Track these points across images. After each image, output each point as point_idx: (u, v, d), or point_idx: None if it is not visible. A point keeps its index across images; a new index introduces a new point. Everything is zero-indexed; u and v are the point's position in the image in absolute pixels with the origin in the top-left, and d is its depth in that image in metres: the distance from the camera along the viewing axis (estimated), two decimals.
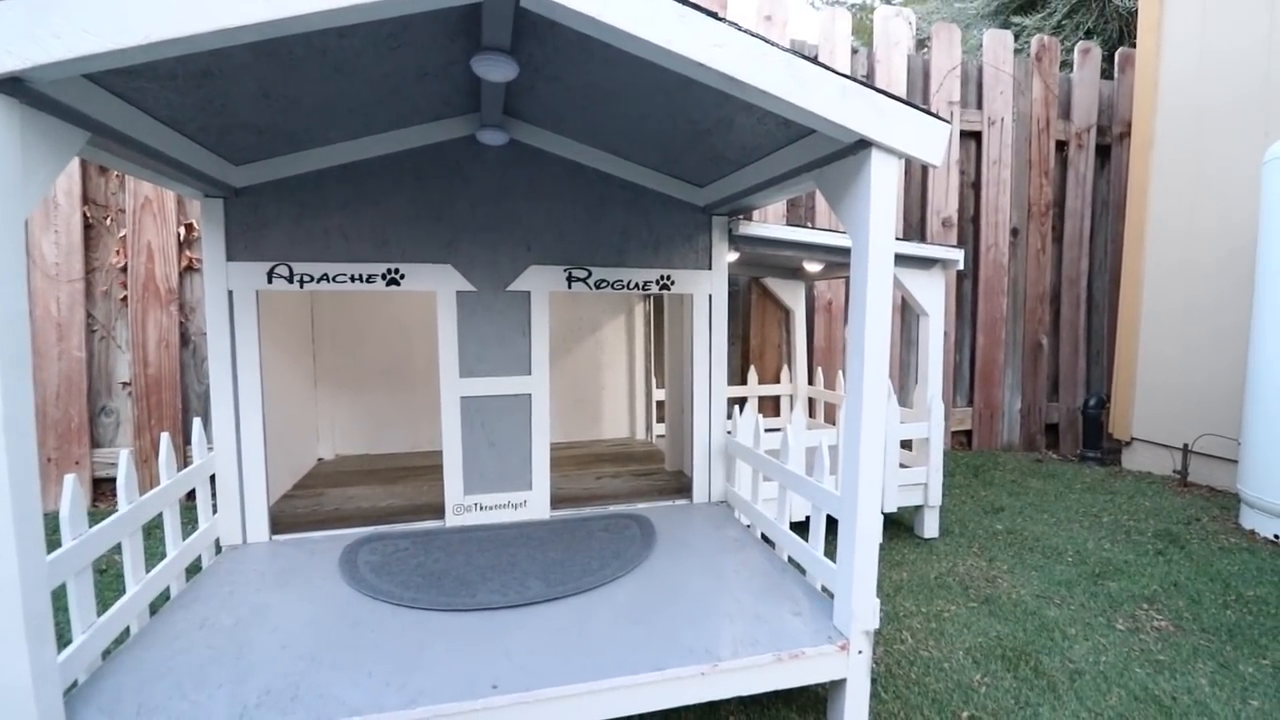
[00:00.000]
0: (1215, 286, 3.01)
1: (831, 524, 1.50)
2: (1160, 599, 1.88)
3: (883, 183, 1.21)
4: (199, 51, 0.96)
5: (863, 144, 1.21)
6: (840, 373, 3.12)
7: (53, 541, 1.00)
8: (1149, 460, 3.34)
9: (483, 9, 1.09)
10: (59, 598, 1.10)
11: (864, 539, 1.26)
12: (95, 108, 1.08)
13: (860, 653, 1.26)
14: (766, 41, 1.11)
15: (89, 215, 2.63)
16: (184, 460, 2.59)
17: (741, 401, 3.02)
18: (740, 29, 1.09)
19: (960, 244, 3.68)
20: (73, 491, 1.15)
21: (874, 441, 1.25)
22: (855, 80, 1.18)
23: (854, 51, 3.50)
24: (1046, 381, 3.91)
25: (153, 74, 1.10)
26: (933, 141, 1.24)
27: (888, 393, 1.26)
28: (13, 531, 0.89)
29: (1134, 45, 4.10)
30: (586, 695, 1.11)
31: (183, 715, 1.03)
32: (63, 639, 1.09)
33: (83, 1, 0.85)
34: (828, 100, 1.16)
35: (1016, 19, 6.08)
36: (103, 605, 1.22)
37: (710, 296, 2.07)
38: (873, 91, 1.19)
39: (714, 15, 1.08)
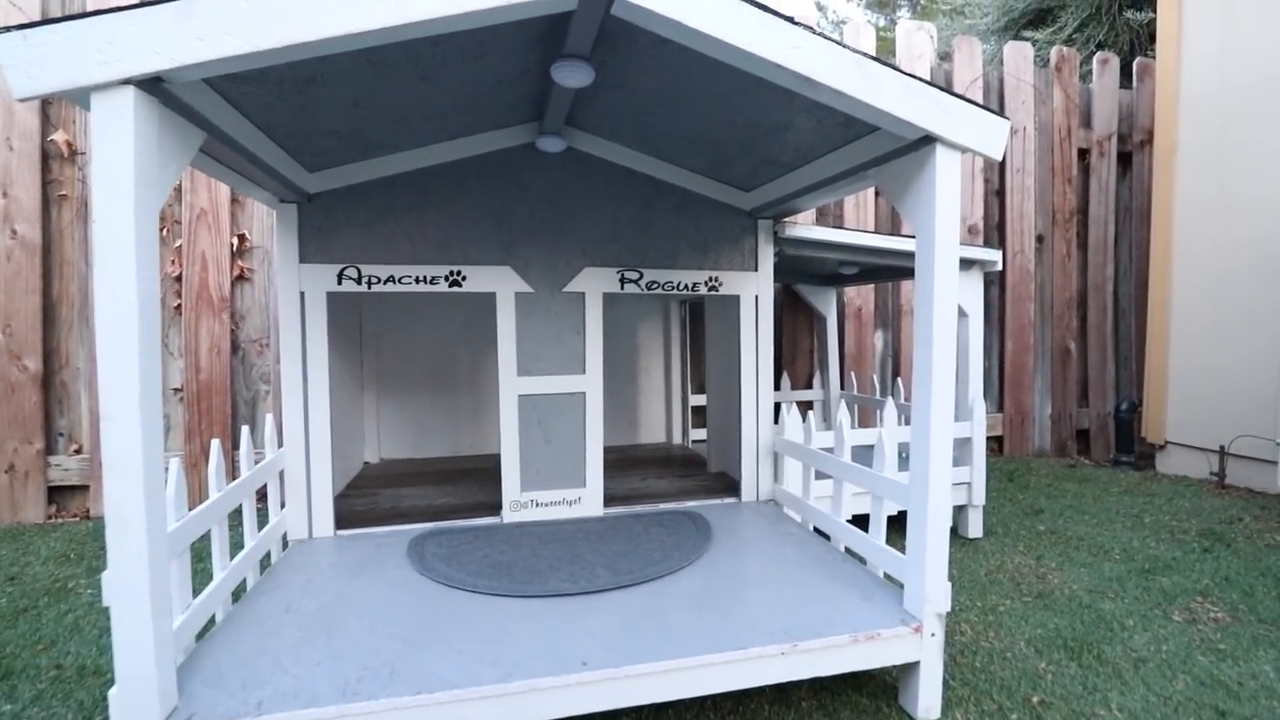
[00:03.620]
0: (1246, 288, 3.03)
1: (890, 522, 1.54)
2: (1213, 593, 1.89)
3: (948, 177, 1.26)
4: (313, 57, 1.03)
5: (926, 140, 1.27)
6: (873, 378, 3.15)
7: None
8: (1184, 464, 3.34)
9: (574, 16, 1.15)
10: None
11: (935, 522, 1.29)
12: (210, 110, 1.15)
13: (933, 635, 1.28)
14: (838, 43, 1.17)
15: None
16: (231, 465, 2.65)
17: (778, 406, 3.05)
18: (815, 32, 1.16)
19: None
20: (177, 475, 1.20)
21: (943, 430, 1.29)
22: (919, 79, 1.24)
23: None
24: (1076, 386, 3.92)
25: (264, 79, 1.17)
26: (993, 136, 1.29)
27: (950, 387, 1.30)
28: (143, 502, 0.94)
29: (1149, 55, 4.18)
30: (675, 672, 1.14)
31: (288, 688, 1.07)
32: None
33: (224, 7, 0.92)
34: (895, 98, 1.22)
35: (1027, 33, 6.17)
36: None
37: (757, 297, 2.12)
38: (936, 89, 1.25)
39: (791, 20, 1.14)
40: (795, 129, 1.55)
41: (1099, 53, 4.03)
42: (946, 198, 1.27)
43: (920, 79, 1.24)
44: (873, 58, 1.21)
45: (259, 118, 1.33)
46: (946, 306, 1.27)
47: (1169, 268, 3.42)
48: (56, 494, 2.65)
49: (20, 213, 2.56)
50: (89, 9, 2.57)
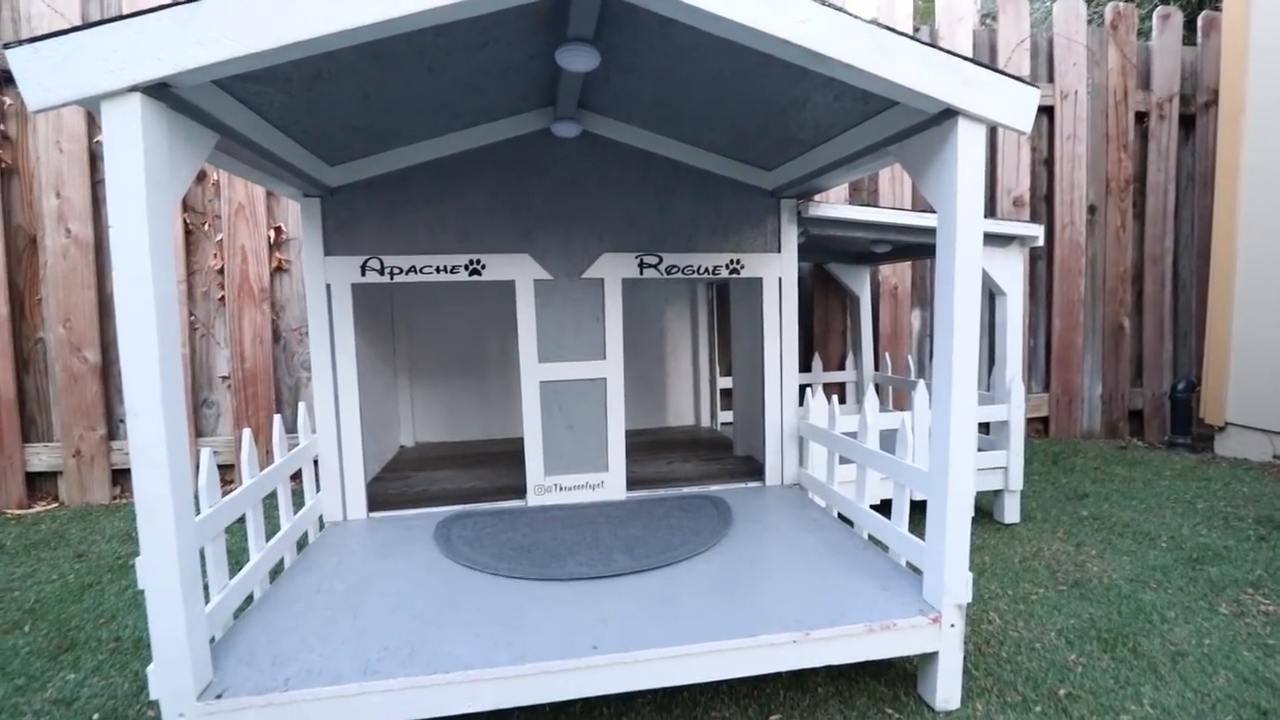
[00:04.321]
0: None
1: (914, 507, 1.50)
2: (1266, 584, 1.79)
3: (970, 152, 1.20)
4: (315, 55, 1.04)
5: (948, 113, 1.21)
6: (908, 358, 3.07)
7: None
8: (1245, 446, 3.15)
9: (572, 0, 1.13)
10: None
11: (955, 511, 1.25)
12: (222, 111, 1.18)
13: (953, 626, 1.26)
14: (850, 14, 1.12)
15: (188, 222, 2.83)
16: (265, 450, 2.78)
17: (805, 389, 3.00)
18: (824, 3, 1.11)
19: (1033, 223, 3.55)
20: (209, 464, 1.26)
21: (965, 415, 1.24)
22: (939, 48, 1.18)
23: (915, 29, 3.42)
24: (1129, 365, 3.73)
25: (271, 78, 1.20)
26: (1020, 108, 1.22)
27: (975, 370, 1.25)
28: (170, 492, 0.99)
29: (1216, 8, 3.87)
30: (683, 658, 1.15)
31: (313, 666, 1.12)
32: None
33: (222, 11, 0.93)
34: (912, 70, 1.16)
35: None
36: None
37: (780, 280, 2.07)
38: (957, 59, 1.18)
39: None
40: (812, 105, 1.50)
41: (1160, 7, 3.75)
42: (969, 174, 1.21)
43: (941, 49, 1.17)
44: (888, 28, 1.15)
45: (272, 115, 1.36)
46: (969, 291, 1.22)
47: (1233, 237, 3.20)
48: (120, 476, 2.82)
49: (73, 213, 2.70)
50: (125, 12, 2.67)
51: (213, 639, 1.21)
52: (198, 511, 1.17)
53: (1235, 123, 3.19)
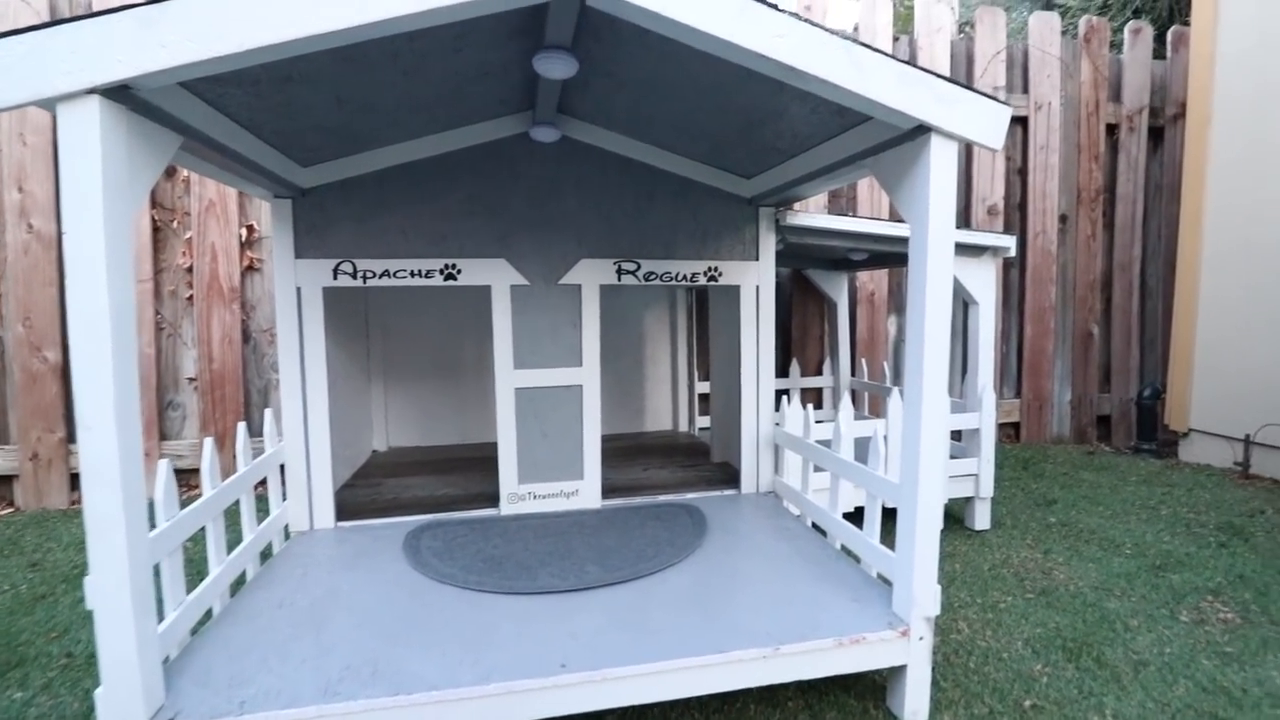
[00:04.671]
0: (1279, 268, 2.89)
1: (887, 514, 1.51)
2: (1225, 591, 1.83)
3: (942, 168, 1.21)
4: (286, 58, 1.01)
5: (921, 129, 1.21)
6: (884, 365, 3.09)
7: None
8: (1208, 452, 3.23)
9: (549, 8, 1.11)
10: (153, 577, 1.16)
11: (924, 524, 1.26)
12: (187, 113, 1.14)
13: (921, 639, 1.26)
14: (826, 30, 1.12)
15: (156, 219, 2.75)
16: (231, 455, 2.71)
17: (783, 394, 3.01)
18: (800, 19, 1.10)
19: (1007, 231, 3.60)
20: (166, 477, 1.22)
21: (935, 429, 1.25)
22: (914, 66, 1.18)
23: (895, 39, 3.45)
24: (1098, 371, 3.81)
25: (239, 80, 1.16)
26: (993, 125, 1.23)
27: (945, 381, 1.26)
28: (121, 509, 0.95)
29: (1185, 23, 3.96)
30: (652, 675, 1.14)
31: (271, 687, 1.09)
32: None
33: (186, 12, 0.90)
34: (886, 87, 1.16)
35: (1059, 0, 5.90)
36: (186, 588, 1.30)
37: (758, 287, 2.07)
38: (932, 76, 1.19)
39: (773, 6, 1.09)
40: (790, 117, 1.50)
41: (1132, 21, 3.83)
42: (941, 190, 1.21)
43: (916, 66, 1.18)
44: (863, 44, 1.15)
45: (241, 117, 1.32)
46: (939, 306, 1.23)
47: (1199, 247, 3.28)
48: (79, 481, 2.73)
49: (36, 207, 2.61)
50: (95, 9, 2.59)
51: (167, 658, 1.18)
52: (153, 525, 1.13)
53: (1202, 133, 3.28)
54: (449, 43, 1.27)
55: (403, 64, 1.31)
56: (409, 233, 1.81)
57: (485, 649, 1.19)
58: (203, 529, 1.36)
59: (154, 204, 2.74)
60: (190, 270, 2.78)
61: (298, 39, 0.94)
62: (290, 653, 1.19)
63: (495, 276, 1.87)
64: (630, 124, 1.83)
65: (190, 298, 2.80)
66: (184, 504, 1.30)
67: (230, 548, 1.47)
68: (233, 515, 1.81)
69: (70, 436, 2.71)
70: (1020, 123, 3.64)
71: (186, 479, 2.81)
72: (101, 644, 0.97)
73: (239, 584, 1.52)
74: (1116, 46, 3.83)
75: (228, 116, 1.29)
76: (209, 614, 1.38)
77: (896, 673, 1.30)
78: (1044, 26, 3.62)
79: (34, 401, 2.64)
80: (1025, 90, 3.62)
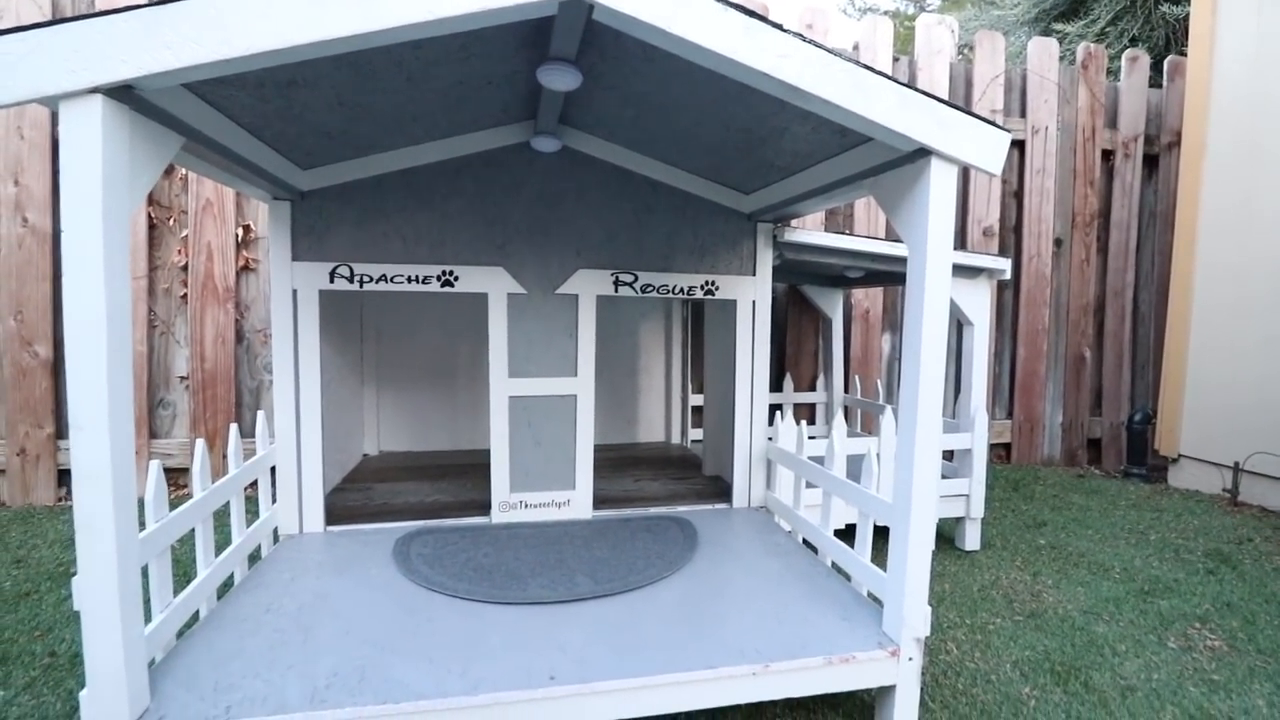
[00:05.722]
0: (1270, 299, 2.93)
1: (878, 531, 1.51)
2: (1213, 618, 1.84)
3: (942, 191, 1.22)
4: (290, 63, 1.01)
5: (922, 153, 1.23)
6: (878, 382, 3.10)
7: None
8: (1197, 478, 3.26)
9: (555, 21, 1.12)
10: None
11: (916, 545, 1.26)
12: (190, 114, 1.14)
13: (910, 659, 1.26)
14: (830, 51, 1.13)
15: (153, 216, 2.74)
16: (222, 456, 2.69)
17: (776, 409, 3.02)
18: (805, 40, 1.12)
19: (1002, 254, 3.64)
20: (156, 477, 1.21)
21: (928, 449, 1.26)
22: (915, 89, 1.20)
23: (895, 59, 3.49)
24: (1089, 395, 3.83)
25: (243, 83, 1.16)
26: (992, 150, 1.24)
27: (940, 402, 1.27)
28: (112, 510, 0.94)
29: (1181, 53, 4.02)
30: (641, 689, 1.14)
31: (257, 693, 1.08)
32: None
33: (191, 15, 0.91)
34: (888, 109, 1.17)
35: (1058, 26, 5.98)
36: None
37: (754, 303, 2.08)
38: (933, 100, 1.20)
39: (779, 26, 1.11)
40: (791, 135, 1.51)
41: (1129, 49, 3.89)
42: (940, 212, 1.22)
43: (917, 90, 1.19)
44: (866, 67, 1.17)
45: (244, 119, 1.33)
46: (936, 327, 1.23)
47: (1191, 275, 3.32)
48: (67, 477, 2.71)
49: (31, 201, 2.60)
50: (98, 9, 2.60)
51: (152, 661, 1.16)
52: (143, 526, 1.12)
53: (1196, 165, 3.32)
54: (454, 52, 1.28)
55: (408, 71, 1.32)
56: (407, 238, 1.81)
57: (474, 659, 1.19)
58: (191, 530, 1.35)
59: (151, 201, 2.74)
60: (185, 268, 2.77)
61: (303, 44, 0.94)
62: (277, 658, 1.18)
63: (492, 284, 1.87)
64: (631, 137, 1.84)
65: (184, 296, 2.78)
66: (173, 504, 1.29)
67: (218, 550, 1.46)
68: (220, 516, 1.79)
69: (59, 432, 2.68)
70: (1017, 146, 3.68)
71: (174, 478, 2.79)
72: (88, 645, 0.95)
73: (226, 587, 1.51)
74: (1114, 74, 3.89)
75: (230, 118, 1.30)
76: (196, 616, 1.37)
77: (885, 693, 1.29)
78: (1043, 52, 3.67)
79: (23, 396, 2.62)
80: (1023, 114, 3.66)
